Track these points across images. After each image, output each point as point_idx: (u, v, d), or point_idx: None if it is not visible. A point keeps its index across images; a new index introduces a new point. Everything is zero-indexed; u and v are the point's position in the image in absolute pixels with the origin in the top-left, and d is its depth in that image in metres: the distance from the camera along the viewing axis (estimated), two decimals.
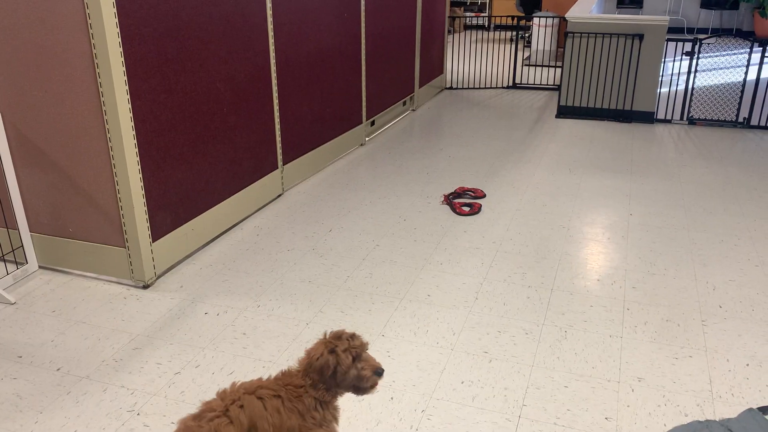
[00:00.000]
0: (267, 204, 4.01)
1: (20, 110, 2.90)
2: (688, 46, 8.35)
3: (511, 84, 7.45)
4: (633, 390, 2.32)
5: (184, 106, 3.12)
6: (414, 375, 2.41)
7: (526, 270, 3.20)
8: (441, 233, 3.61)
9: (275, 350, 2.55)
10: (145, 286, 3.03)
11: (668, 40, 5.74)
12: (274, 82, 3.87)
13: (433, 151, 5.10)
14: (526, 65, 8.55)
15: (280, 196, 4.15)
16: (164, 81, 2.96)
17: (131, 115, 2.78)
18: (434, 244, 3.47)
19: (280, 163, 4.06)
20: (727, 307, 2.87)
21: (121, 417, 2.19)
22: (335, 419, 1.77)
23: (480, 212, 3.90)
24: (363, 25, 4.93)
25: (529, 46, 9.44)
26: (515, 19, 7.37)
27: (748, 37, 7.03)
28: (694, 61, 5.72)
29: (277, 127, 3.98)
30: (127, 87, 2.73)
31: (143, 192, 2.92)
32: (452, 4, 11.86)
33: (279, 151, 4.03)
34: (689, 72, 5.79)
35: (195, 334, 2.67)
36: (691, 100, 5.80)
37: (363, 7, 4.88)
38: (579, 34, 5.86)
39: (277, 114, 3.95)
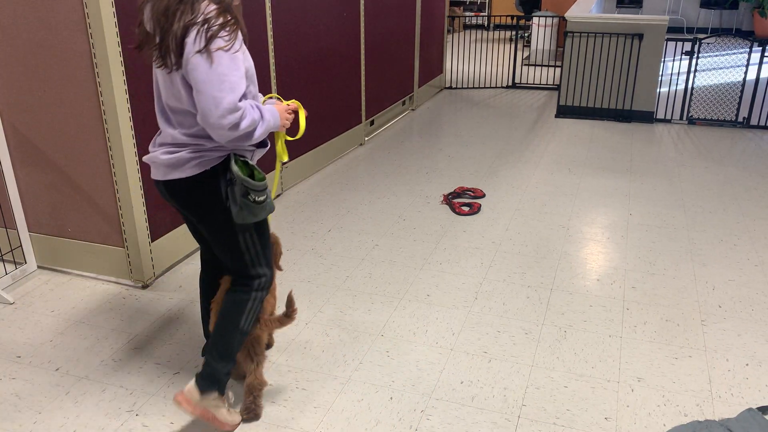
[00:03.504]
0: None
1: (19, 110, 2.90)
2: (687, 46, 8.35)
3: (510, 84, 7.45)
4: (633, 390, 2.32)
5: None
6: (413, 375, 2.40)
7: (525, 270, 3.20)
8: (440, 233, 3.61)
9: (274, 350, 2.55)
10: (144, 286, 3.03)
11: (668, 39, 5.74)
12: (273, 81, 3.86)
13: (432, 150, 5.09)
14: (525, 65, 8.55)
15: (279, 195, 4.14)
16: None
17: (130, 114, 2.78)
18: (434, 244, 3.47)
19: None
20: (727, 307, 2.86)
21: (120, 417, 2.19)
22: None
23: (479, 212, 3.89)
24: (362, 24, 4.93)
25: (529, 46, 9.44)
26: (515, 18, 7.37)
27: (747, 36, 7.03)
28: (694, 61, 5.72)
29: None
30: (126, 87, 2.73)
31: (142, 192, 2.91)
32: (451, 4, 11.86)
33: None
34: (689, 72, 5.79)
35: (194, 333, 2.66)
36: (690, 99, 5.80)
37: (362, 7, 4.88)
38: (578, 34, 5.86)
39: None
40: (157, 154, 1.92)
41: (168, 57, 1.75)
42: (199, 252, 3.38)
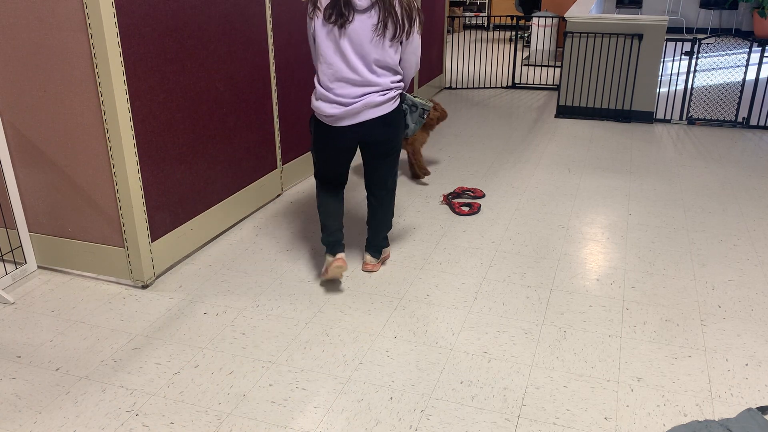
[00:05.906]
0: (266, 204, 4.01)
1: (19, 110, 2.90)
2: (687, 46, 8.36)
3: (510, 84, 7.46)
4: (632, 390, 2.32)
5: (183, 106, 3.12)
6: (413, 375, 2.41)
7: (525, 270, 3.20)
8: (440, 233, 3.61)
9: (274, 350, 2.55)
10: (144, 286, 3.03)
11: (667, 39, 5.75)
12: (273, 81, 3.86)
13: (432, 150, 5.09)
14: (525, 65, 8.55)
15: (279, 196, 4.15)
16: (163, 81, 2.96)
17: (130, 115, 2.78)
18: (433, 244, 3.47)
19: (279, 163, 4.06)
20: (726, 307, 2.87)
21: (120, 417, 2.19)
22: None
23: (479, 212, 3.90)
24: None
25: (529, 46, 9.44)
26: (515, 18, 7.37)
27: (747, 36, 7.04)
28: (694, 61, 5.72)
29: (277, 127, 3.98)
30: (126, 87, 2.73)
31: (142, 192, 2.91)
32: (451, 4, 11.86)
33: (278, 151, 4.03)
34: (688, 72, 5.80)
35: (194, 334, 2.67)
36: (690, 100, 5.81)
37: None
38: (578, 34, 5.86)
39: (276, 114, 3.95)
40: (373, 97, 2.67)
41: (404, 32, 2.66)
42: (199, 252, 3.39)
